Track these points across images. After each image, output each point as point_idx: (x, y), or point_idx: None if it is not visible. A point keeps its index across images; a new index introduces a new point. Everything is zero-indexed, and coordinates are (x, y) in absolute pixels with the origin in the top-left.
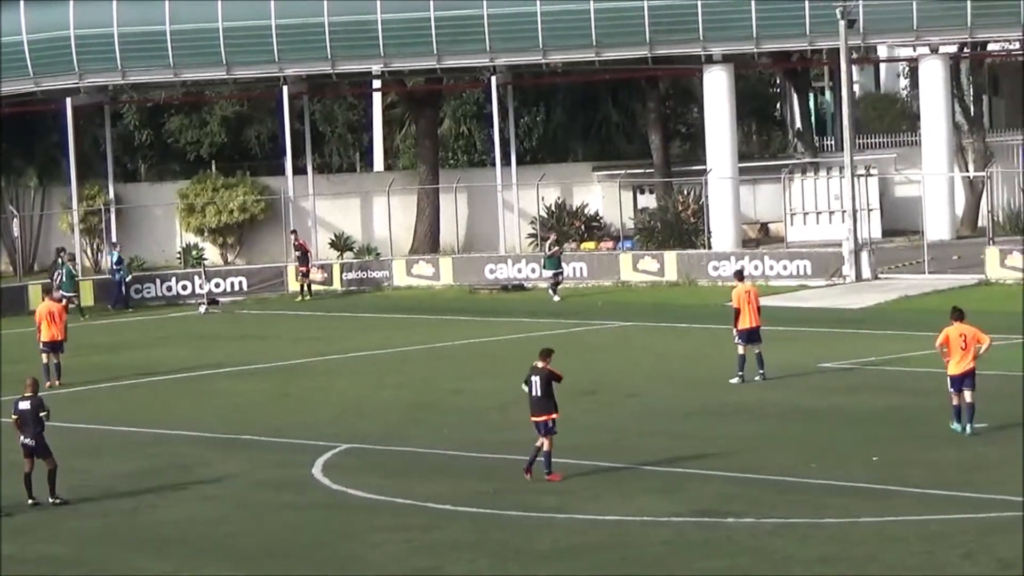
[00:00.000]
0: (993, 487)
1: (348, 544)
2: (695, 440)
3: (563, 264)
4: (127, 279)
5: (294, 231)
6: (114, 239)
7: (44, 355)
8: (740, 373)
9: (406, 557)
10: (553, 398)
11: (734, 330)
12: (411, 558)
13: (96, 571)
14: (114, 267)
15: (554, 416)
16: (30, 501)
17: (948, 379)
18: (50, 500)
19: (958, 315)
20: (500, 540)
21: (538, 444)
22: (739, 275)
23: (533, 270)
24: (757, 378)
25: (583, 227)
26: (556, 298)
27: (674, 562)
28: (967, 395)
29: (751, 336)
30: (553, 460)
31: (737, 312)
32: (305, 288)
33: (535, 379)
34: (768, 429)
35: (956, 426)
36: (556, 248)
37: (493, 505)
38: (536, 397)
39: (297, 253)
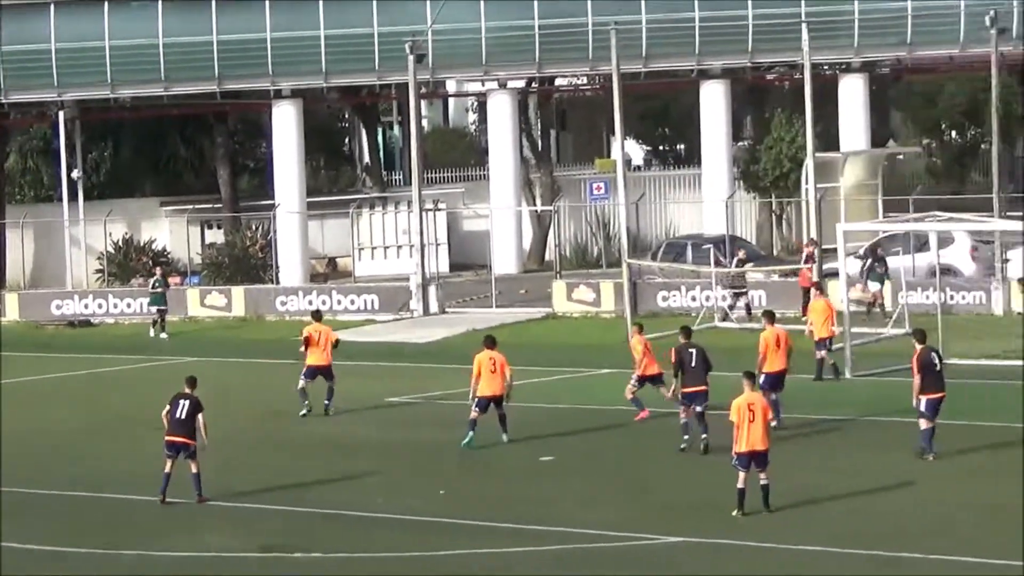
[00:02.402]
0: (547, 520)
1: None
2: (261, 474)
3: (166, 299)
4: None
5: None
6: None
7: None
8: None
9: None
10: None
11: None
12: None
13: None
14: None
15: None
16: None
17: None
18: None
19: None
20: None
21: (167, 471)
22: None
23: (100, 306)
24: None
25: (151, 262)
26: (163, 335)
27: None
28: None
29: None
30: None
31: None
32: None
33: (183, 402)
34: (336, 464)
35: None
36: (160, 286)
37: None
38: (180, 419)
39: None
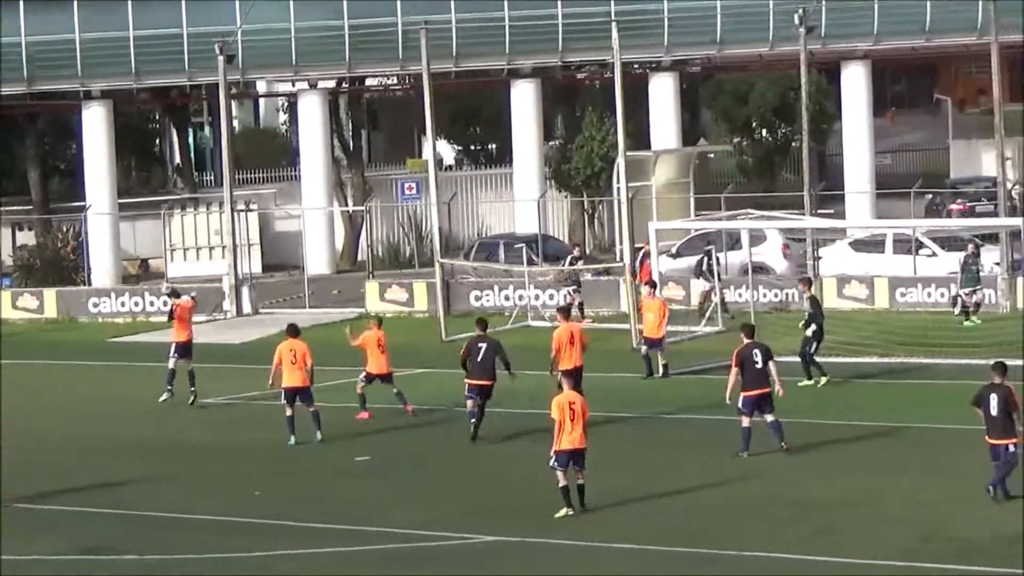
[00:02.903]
0: (365, 520)
1: None
2: (77, 476)
3: None
4: None
5: None
6: None
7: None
8: None
9: None
10: None
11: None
12: None
13: None
14: None
15: None
16: None
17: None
18: None
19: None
20: None
21: None
22: (564, 312)
23: None
24: None
25: None
26: None
27: None
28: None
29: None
30: None
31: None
32: None
33: None
34: (152, 466)
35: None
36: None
37: None
38: None
39: None
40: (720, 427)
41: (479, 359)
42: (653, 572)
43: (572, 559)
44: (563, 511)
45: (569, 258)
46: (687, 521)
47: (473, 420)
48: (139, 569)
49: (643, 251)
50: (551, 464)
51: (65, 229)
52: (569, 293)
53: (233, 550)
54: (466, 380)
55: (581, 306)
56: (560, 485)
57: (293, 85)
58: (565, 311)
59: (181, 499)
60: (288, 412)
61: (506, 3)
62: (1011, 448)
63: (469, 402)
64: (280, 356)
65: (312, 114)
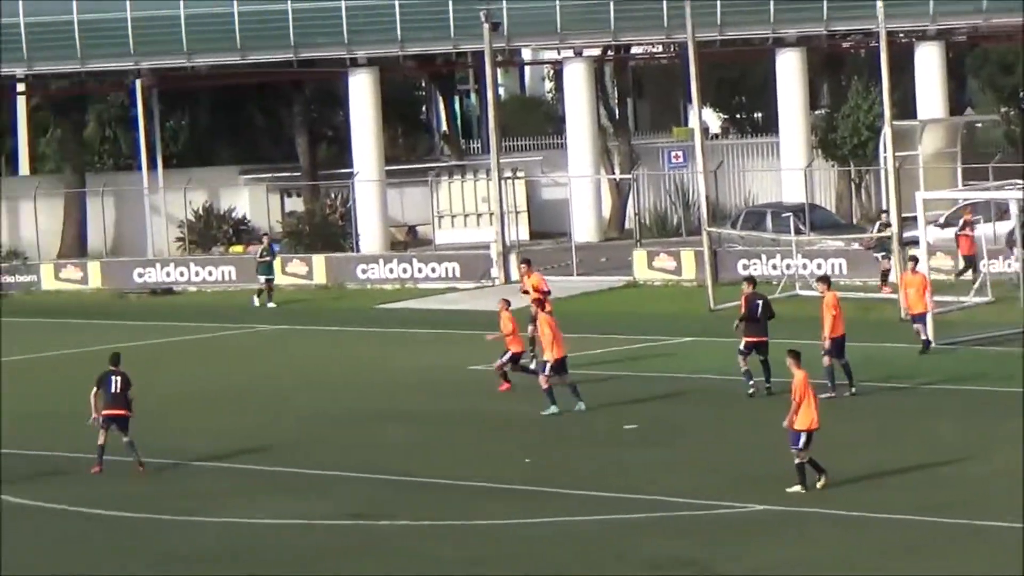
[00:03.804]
0: (632, 489)
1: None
2: (346, 444)
3: (273, 269)
4: None
5: None
6: None
7: None
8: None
9: (62, 563)
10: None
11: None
12: (66, 564)
13: None
14: None
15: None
16: None
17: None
18: None
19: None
20: (150, 545)
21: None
22: (825, 280)
23: (182, 274)
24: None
25: (231, 231)
26: (270, 304)
27: (326, 564)
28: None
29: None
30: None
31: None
32: None
33: (115, 378)
34: (420, 433)
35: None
36: (268, 255)
37: (144, 509)
38: (114, 394)
39: None
40: (986, 398)
41: (757, 315)
42: (924, 543)
43: (842, 530)
44: (796, 487)
45: (878, 224)
46: (956, 492)
47: (750, 381)
48: (411, 535)
49: (963, 221)
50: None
51: (333, 196)
52: (878, 259)
53: (503, 516)
54: (744, 337)
55: (886, 274)
56: (797, 463)
57: (558, 53)
58: (826, 279)
59: (450, 466)
60: (545, 384)
61: None
62: None
63: (741, 359)
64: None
65: (577, 82)
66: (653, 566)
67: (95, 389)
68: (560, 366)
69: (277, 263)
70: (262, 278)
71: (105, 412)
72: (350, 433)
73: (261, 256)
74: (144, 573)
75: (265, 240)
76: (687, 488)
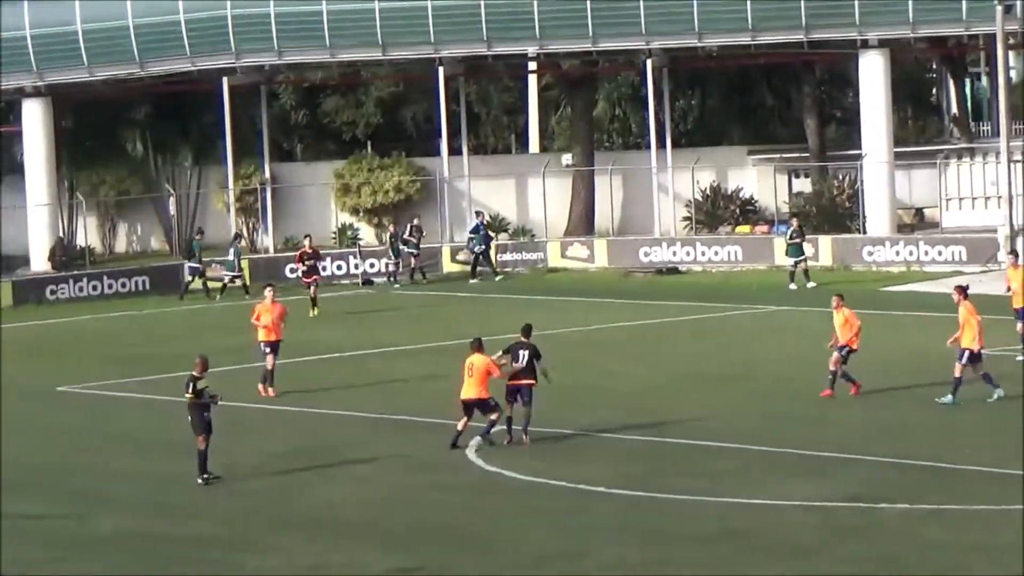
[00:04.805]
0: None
1: (496, 526)
2: (844, 425)
3: (804, 249)
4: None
5: (308, 236)
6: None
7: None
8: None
9: (553, 539)
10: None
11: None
12: (558, 540)
13: (245, 550)
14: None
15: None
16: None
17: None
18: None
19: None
20: (649, 523)
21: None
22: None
23: (688, 253)
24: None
25: (738, 211)
26: (810, 284)
27: (825, 546)
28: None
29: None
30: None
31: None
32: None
33: (523, 352)
34: (912, 415)
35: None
36: (799, 237)
37: (644, 487)
38: (522, 366)
39: (309, 262)
40: None
41: None
42: None
43: None
44: None
45: None
46: None
47: None
48: (908, 519)
49: None
50: None
51: (841, 177)
52: None
53: (997, 502)
54: None
55: None
56: None
57: None
58: None
59: (950, 450)
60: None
61: None
62: None
63: None
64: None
65: None
66: None
67: (504, 355)
68: None
69: (781, 243)
70: (791, 260)
71: (511, 382)
72: (847, 414)
73: (791, 238)
74: (637, 551)
75: (795, 222)
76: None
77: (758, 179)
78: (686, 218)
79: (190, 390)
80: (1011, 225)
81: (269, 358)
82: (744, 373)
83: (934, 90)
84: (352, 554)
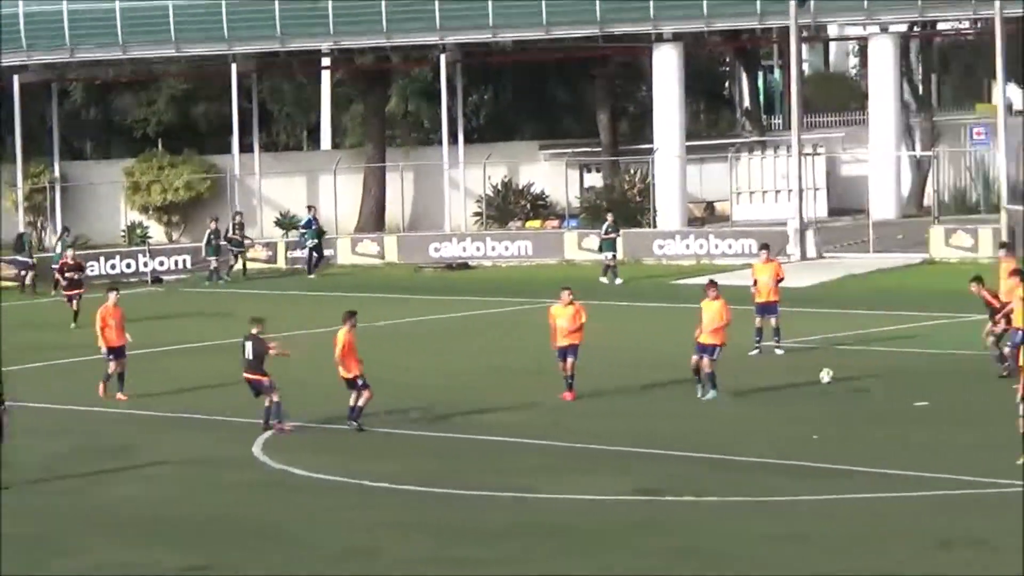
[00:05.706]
0: (931, 466)
1: (285, 523)
2: (644, 419)
3: (616, 247)
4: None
5: (70, 247)
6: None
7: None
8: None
9: (344, 536)
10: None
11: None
12: (348, 537)
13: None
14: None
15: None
16: None
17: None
18: None
19: None
20: (438, 519)
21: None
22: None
23: (478, 249)
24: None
25: (529, 206)
26: (618, 281)
27: (617, 539)
28: None
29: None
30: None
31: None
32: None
33: (248, 344)
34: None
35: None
36: (614, 232)
37: (433, 484)
38: (249, 360)
39: (70, 275)
40: None
41: None
42: None
43: None
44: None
45: None
46: None
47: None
48: (697, 511)
49: None
50: None
51: (632, 171)
52: None
53: (790, 493)
54: None
55: None
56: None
57: (864, 29)
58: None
59: (736, 443)
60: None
61: None
62: None
63: None
64: None
65: (883, 58)
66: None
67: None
68: None
69: (572, 237)
70: (607, 255)
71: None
72: (649, 407)
73: (606, 233)
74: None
75: (609, 217)
76: (981, 468)
77: (550, 174)
78: (477, 213)
79: None
80: (801, 218)
81: (112, 364)
82: (537, 368)
83: (727, 84)
84: (144, 553)
